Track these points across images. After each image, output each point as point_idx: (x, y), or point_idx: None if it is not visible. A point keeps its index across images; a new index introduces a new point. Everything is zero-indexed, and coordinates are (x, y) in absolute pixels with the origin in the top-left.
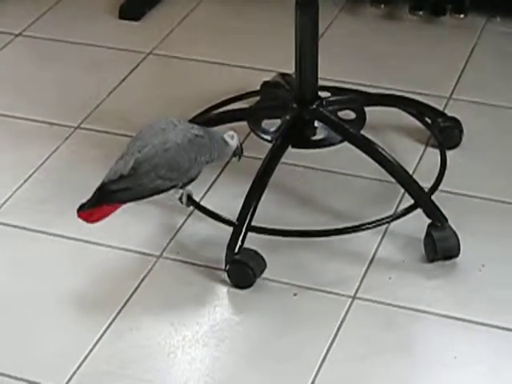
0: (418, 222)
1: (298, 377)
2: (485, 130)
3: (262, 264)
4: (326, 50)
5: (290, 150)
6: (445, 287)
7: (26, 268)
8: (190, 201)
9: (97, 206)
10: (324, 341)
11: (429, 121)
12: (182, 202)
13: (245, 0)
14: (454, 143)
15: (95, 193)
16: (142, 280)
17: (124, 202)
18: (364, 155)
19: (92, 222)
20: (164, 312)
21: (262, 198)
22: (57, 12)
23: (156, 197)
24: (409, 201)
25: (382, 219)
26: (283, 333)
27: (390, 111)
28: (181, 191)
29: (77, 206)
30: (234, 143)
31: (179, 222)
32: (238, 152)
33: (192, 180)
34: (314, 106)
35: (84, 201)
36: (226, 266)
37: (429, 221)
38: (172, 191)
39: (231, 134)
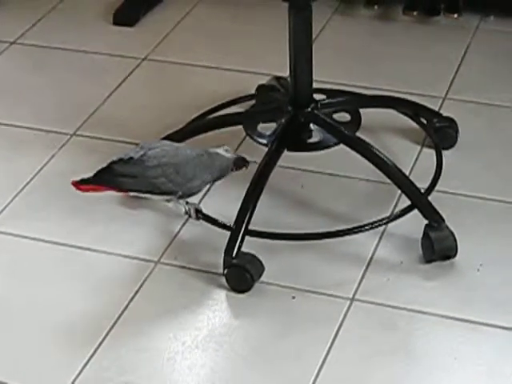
0: (415, 222)
1: (298, 379)
2: (480, 130)
3: (259, 268)
4: (320, 53)
5: (286, 153)
6: (443, 287)
7: (23, 276)
8: (200, 214)
9: (98, 184)
10: (323, 343)
11: (424, 121)
12: (190, 216)
13: (239, 3)
14: (450, 143)
15: (101, 170)
16: (141, 286)
17: (123, 189)
18: (360, 157)
19: (83, 191)
20: (163, 317)
21: (259, 201)
22: (51, 19)
23: (153, 202)
24: (405, 202)
25: (379, 221)
26: (282, 336)
27: (385, 112)
28: (185, 205)
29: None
30: (230, 155)
31: (177, 227)
32: (241, 162)
33: (191, 194)
34: (310, 109)
35: (86, 176)
36: (224, 270)
37: (426, 221)
38: (171, 203)
39: (226, 148)
